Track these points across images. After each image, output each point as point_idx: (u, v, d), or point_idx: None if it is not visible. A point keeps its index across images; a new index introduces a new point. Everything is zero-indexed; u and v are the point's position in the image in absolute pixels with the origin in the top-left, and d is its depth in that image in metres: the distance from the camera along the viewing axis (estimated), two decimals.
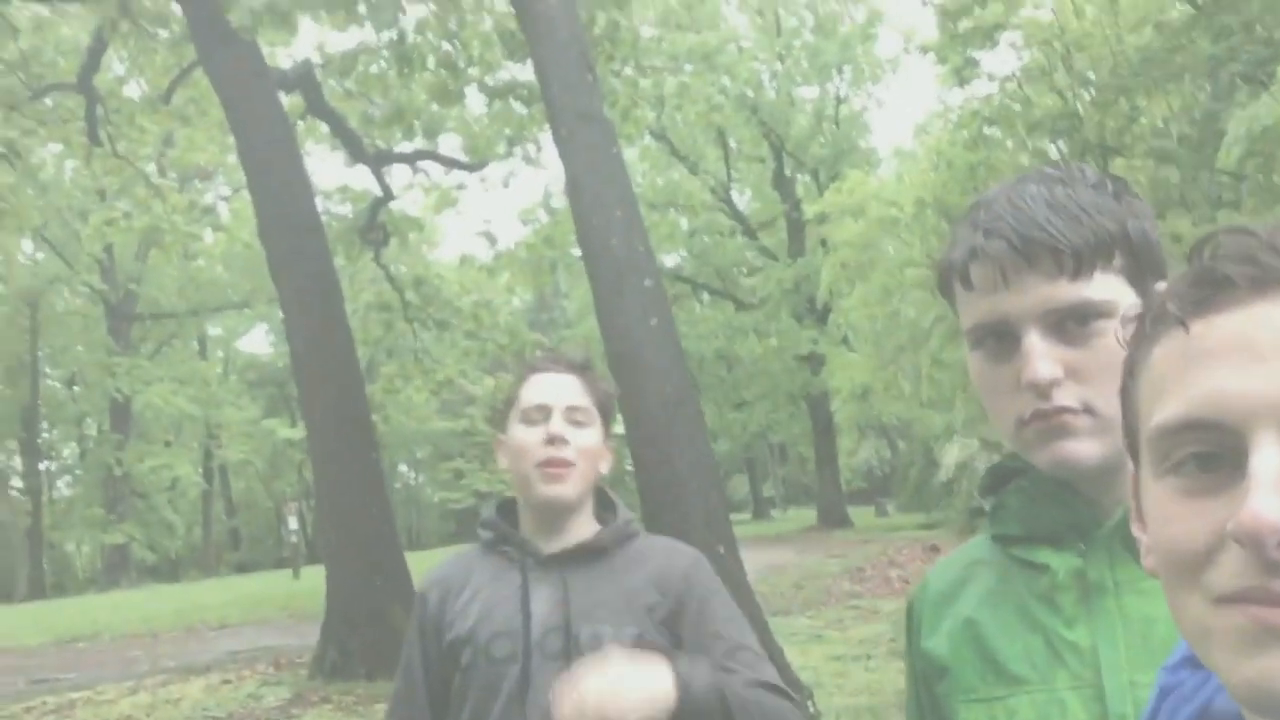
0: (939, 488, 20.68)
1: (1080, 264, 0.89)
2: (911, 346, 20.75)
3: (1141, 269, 0.91)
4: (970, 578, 1.02)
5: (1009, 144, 16.95)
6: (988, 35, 14.69)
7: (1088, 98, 15.33)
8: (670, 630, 1.64)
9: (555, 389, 1.71)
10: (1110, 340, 0.82)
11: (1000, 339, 0.93)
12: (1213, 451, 0.51)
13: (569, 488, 1.66)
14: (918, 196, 17.78)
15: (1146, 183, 15.04)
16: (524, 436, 1.68)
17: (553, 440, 1.65)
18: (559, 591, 1.65)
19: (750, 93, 26.59)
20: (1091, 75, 15.49)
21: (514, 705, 1.60)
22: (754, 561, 9.84)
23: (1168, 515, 0.53)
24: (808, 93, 28.96)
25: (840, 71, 28.32)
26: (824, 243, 24.60)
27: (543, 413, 1.68)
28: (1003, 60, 54.78)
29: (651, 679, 1.41)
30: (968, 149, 16.45)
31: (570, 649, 1.60)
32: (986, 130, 16.31)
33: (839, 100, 28.88)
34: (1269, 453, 0.49)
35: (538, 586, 1.66)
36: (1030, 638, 0.94)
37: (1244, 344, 0.51)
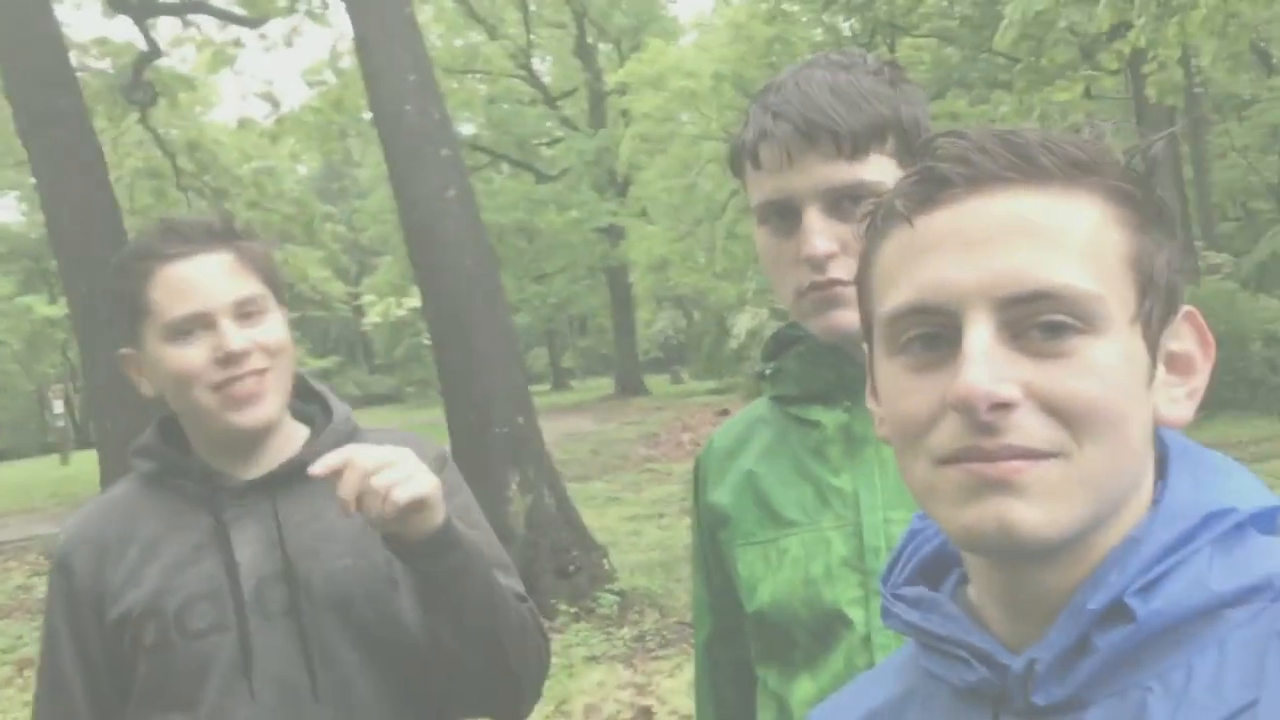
0: (730, 355, 21.55)
1: (856, 146, 0.96)
2: (707, 219, 21.24)
3: (912, 152, 0.97)
4: (752, 435, 1.12)
5: (804, 19, 17.22)
6: None
7: None
8: None
9: (209, 283, 1.23)
10: None
11: (784, 216, 1.00)
12: (934, 332, 0.59)
13: (268, 406, 1.25)
14: (715, 70, 17.90)
15: (930, 61, 15.69)
16: (181, 359, 1.23)
17: (230, 359, 1.22)
18: (269, 528, 1.25)
19: None
20: None
21: (234, 685, 1.21)
22: (553, 430, 10.06)
23: (898, 390, 0.60)
24: None
25: None
26: (625, 114, 24.46)
27: (202, 322, 1.22)
28: None
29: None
30: (766, 23, 16.61)
31: (299, 600, 1.23)
32: (784, 5, 16.49)
33: None
34: (979, 330, 0.56)
35: (239, 526, 1.25)
36: (802, 486, 1.04)
37: (958, 235, 0.58)
